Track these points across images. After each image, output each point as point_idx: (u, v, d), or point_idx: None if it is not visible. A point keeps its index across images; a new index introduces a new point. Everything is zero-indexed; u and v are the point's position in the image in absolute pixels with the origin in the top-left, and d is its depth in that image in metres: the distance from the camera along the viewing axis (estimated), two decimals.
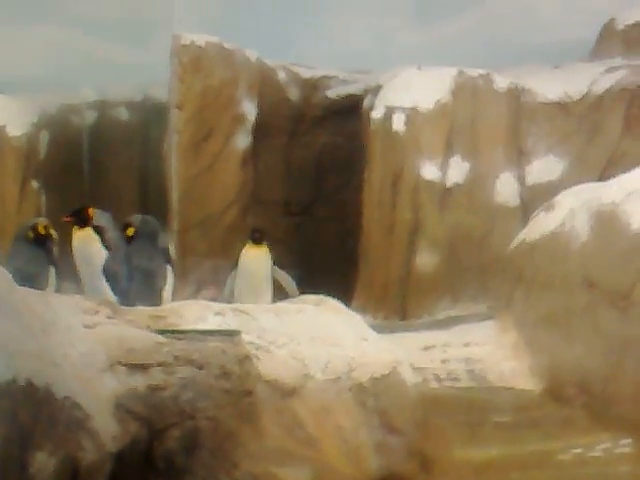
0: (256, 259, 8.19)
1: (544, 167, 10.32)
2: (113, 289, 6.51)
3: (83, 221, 6.75)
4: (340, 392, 5.24)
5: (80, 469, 3.73)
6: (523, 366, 7.22)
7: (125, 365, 4.26)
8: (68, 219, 6.83)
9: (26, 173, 11.74)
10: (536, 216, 8.19)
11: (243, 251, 8.23)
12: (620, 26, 11.02)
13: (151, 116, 11.68)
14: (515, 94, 10.46)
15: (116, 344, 4.35)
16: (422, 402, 5.81)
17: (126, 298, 6.40)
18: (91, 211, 6.83)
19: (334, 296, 6.39)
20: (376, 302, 9.89)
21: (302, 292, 6.79)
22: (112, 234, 6.76)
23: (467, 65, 10.41)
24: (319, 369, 5.22)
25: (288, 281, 8.34)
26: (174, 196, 10.58)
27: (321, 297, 6.24)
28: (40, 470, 3.47)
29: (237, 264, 8.29)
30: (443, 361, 7.43)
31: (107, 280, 6.56)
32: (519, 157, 10.36)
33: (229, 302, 7.51)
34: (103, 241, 6.73)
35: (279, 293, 8.17)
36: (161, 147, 11.09)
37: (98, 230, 6.76)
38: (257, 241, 8.25)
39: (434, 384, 7.00)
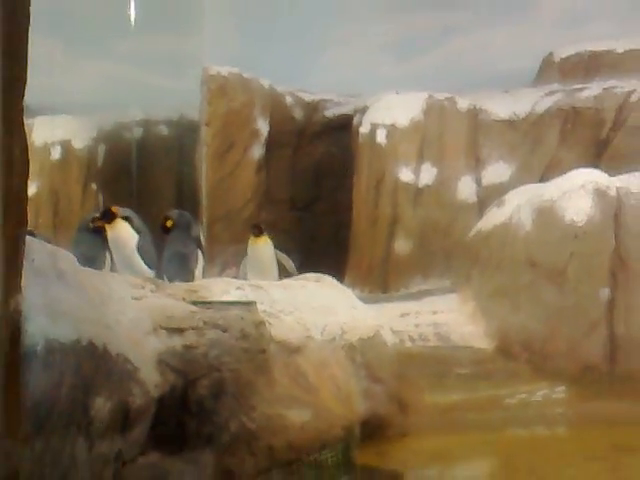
0: (260, 248, 8.15)
1: (496, 172, 10.31)
2: (147, 264, 6.51)
3: (110, 218, 6.65)
4: (335, 350, 5.27)
5: (130, 411, 3.75)
6: (479, 329, 7.24)
7: (165, 329, 4.29)
8: (98, 222, 6.67)
9: (87, 178, 11.74)
10: (490, 210, 8.20)
11: (249, 243, 8.18)
12: (557, 59, 11.02)
13: (185, 132, 11.66)
14: (474, 113, 10.45)
15: (158, 312, 4.37)
16: (399, 358, 5.85)
17: (163, 273, 6.42)
18: (115, 209, 6.73)
19: (330, 274, 6.42)
20: (363, 279, 9.90)
21: (304, 272, 6.78)
22: (138, 222, 6.71)
23: (435, 90, 10.40)
24: (318, 332, 5.25)
25: (288, 261, 8.35)
26: (203, 195, 10.59)
27: (320, 275, 6.28)
28: (99, 411, 3.49)
29: (246, 253, 8.25)
30: (416, 325, 7.44)
31: (142, 257, 6.55)
32: (476, 164, 10.35)
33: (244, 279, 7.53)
34: (133, 227, 6.67)
35: (285, 271, 8.20)
36: (193, 156, 11.09)
37: (126, 219, 6.69)
38: (257, 234, 8.17)
39: (409, 344, 7.01)
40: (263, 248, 8.16)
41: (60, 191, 11.69)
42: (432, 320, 7.57)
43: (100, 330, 3.73)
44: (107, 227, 6.57)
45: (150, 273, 6.30)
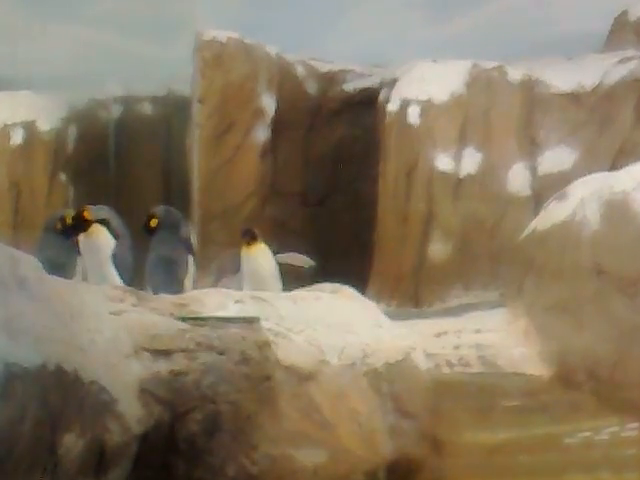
0: (255, 258, 8.02)
1: (556, 157, 10.28)
2: (121, 275, 6.57)
3: (84, 227, 6.72)
4: (355, 377, 5.27)
5: (106, 450, 3.78)
6: (533, 352, 7.21)
7: (149, 351, 4.30)
8: (72, 231, 6.75)
9: (55, 166, 11.83)
10: (548, 205, 8.17)
11: (242, 254, 8.04)
12: (632, 18, 10.94)
13: (174, 110, 11.73)
14: (528, 85, 10.42)
15: (140, 330, 4.39)
16: (434, 387, 5.84)
17: (146, 283, 6.47)
18: (87, 213, 6.78)
19: (349, 284, 6.41)
20: (390, 290, 9.90)
21: (318, 281, 6.79)
22: (116, 223, 6.77)
23: (481, 57, 10.38)
24: (335, 355, 5.25)
25: (296, 257, 8.25)
26: (196, 188, 10.63)
27: (337, 285, 6.26)
28: (69, 451, 3.52)
29: (239, 266, 8.15)
30: (455, 347, 7.43)
31: (116, 267, 6.61)
32: (531, 148, 10.33)
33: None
34: (110, 231, 6.74)
35: (296, 280, 8.15)
36: (183, 140, 11.15)
37: (102, 223, 6.76)
38: (250, 242, 8.03)
39: (446, 369, 7.01)
40: (259, 259, 8.00)
41: (22, 183, 11.80)
42: (475, 341, 7.57)
43: (70, 352, 3.76)
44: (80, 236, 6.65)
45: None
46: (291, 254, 8.29)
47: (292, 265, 8.26)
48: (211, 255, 10.02)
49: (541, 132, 10.39)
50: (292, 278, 8.25)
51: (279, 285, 8.03)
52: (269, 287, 7.84)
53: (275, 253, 8.15)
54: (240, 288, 7.92)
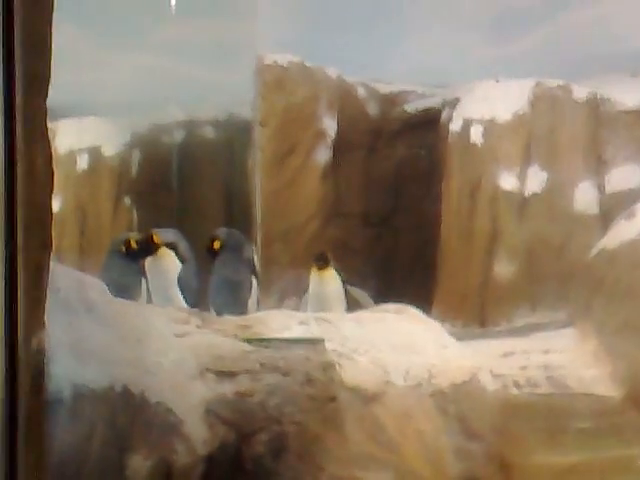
0: (325, 283, 7.99)
1: (623, 175, 10.13)
2: (186, 298, 6.63)
3: (153, 249, 6.81)
4: (421, 398, 5.24)
5: (173, 471, 3.81)
6: (603, 373, 7.10)
7: (214, 372, 4.34)
8: (138, 253, 6.86)
9: (119, 190, 11.95)
10: (616, 224, 8.06)
11: (311, 276, 8.02)
12: None
13: (236, 134, 11.78)
14: (594, 103, 10.29)
15: (205, 352, 4.43)
16: (501, 408, 5.78)
17: (210, 304, 6.52)
18: (156, 236, 6.89)
19: (413, 304, 6.38)
20: (455, 310, 9.81)
21: (382, 301, 6.76)
22: (183, 246, 6.85)
23: (545, 76, 10.28)
24: (400, 376, 5.23)
25: (364, 298, 8.21)
26: (258, 210, 10.67)
27: (401, 306, 6.25)
28: (136, 472, 3.55)
29: (307, 289, 8.13)
30: (522, 368, 7.33)
31: (181, 290, 6.68)
32: (598, 166, 10.18)
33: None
34: (177, 255, 6.82)
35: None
36: (245, 163, 11.20)
37: (170, 247, 6.84)
38: (322, 266, 8.01)
39: (514, 391, 6.91)
40: (329, 283, 7.98)
41: (88, 207, 11.96)
42: (543, 361, 7.46)
43: (137, 374, 3.81)
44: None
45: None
46: (358, 290, 8.31)
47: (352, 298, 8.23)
48: (274, 276, 10.03)
49: (608, 150, 10.25)
50: (357, 305, 8.23)
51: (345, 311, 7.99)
52: (334, 312, 7.82)
53: (345, 283, 8.13)
54: (306, 310, 7.95)
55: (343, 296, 8.04)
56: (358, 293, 8.22)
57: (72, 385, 3.34)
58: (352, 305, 8.02)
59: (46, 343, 3.20)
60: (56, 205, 11.30)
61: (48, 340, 3.22)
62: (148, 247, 6.81)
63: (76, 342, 3.50)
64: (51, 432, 3.22)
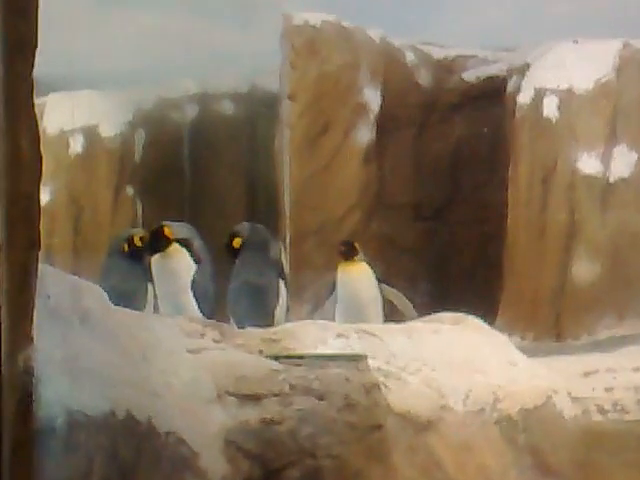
0: (354, 278, 7.91)
1: None
2: (201, 306, 6.64)
3: (164, 245, 6.82)
4: (484, 426, 5.22)
5: None
6: None
7: (235, 395, 4.34)
8: (143, 252, 6.88)
9: (120, 178, 12.04)
10: None
11: (338, 272, 7.95)
12: None
13: (259, 109, 11.82)
14: None
15: (224, 371, 4.43)
16: (583, 438, 5.74)
17: (230, 314, 6.54)
18: (168, 230, 6.89)
19: (475, 313, 6.35)
20: (525, 319, 9.79)
21: (437, 309, 6.73)
22: (198, 245, 6.87)
23: (635, 36, 10.22)
24: (459, 399, 5.21)
25: (401, 300, 8.08)
26: (286, 200, 10.69)
27: (460, 315, 6.22)
28: None
29: (333, 287, 8.04)
30: (607, 389, 7.27)
31: (195, 296, 6.69)
32: None
33: None
34: (191, 254, 6.84)
35: (397, 316, 8.07)
36: (271, 144, 11.23)
37: (183, 244, 6.85)
38: (349, 256, 7.92)
39: (597, 417, 6.87)
40: (358, 278, 7.91)
41: (83, 199, 12.06)
42: (633, 381, 7.41)
43: (143, 397, 3.82)
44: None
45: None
46: (397, 293, 8.16)
47: (392, 304, 8.15)
48: (306, 280, 10.05)
49: None
50: (394, 312, 8.18)
51: (380, 315, 7.90)
52: (368, 315, 7.73)
53: (380, 280, 8.02)
54: (332, 315, 7.90)
55: (378, 297, 7.96)
56: (393, 294, 8.11)
57: (66, 411, 3.35)
58: (388, 310, 8.00)
59: (34, 361, 3.21)
60: (45, 196, 11.47)
61: (37, 357, 3.23)
62: (157, 244, 6.83)
63: (70, 359, 3.51)
64: (41, 467, 3.23)
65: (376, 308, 7.94)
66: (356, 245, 8.09)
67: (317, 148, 10.77)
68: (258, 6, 11.10)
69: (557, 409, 5.73)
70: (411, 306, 8.12)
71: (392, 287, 8.18)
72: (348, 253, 7.98)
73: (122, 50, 11.64)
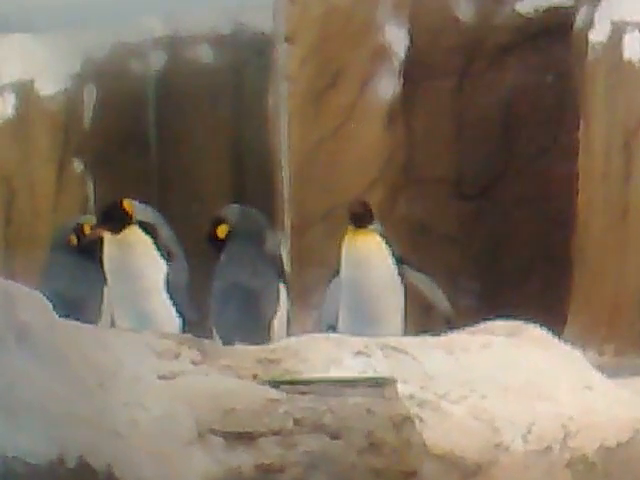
0: (364, 251, 7.75)
1: None
2: (180, 312, 6.65)
3: (120, 222, 6.76)
4: (552, 470, 5.23)
5: None
6: None
7: (222, 434, 4.34)
8: (95, 232, 6.83)
9: (65, 149, 12.05)
10: None
11: (345, 243, 7.81)
12: None
13: (247, 56, 11.83)
14: None
15: (207, 403, 4.43)
16: None
17: (212, 326, 6.54)
18: (128, 205, 6.83)
19: (536, 321, 6.36)
20: (602, 329, 9.80)
21: (486, 316, 6.73)
22: (166, 234, 6.84)
23: None
24: (518, 435, 5.21)
25: (429, 286, 7.88)
26: (285, 176, 10.70)
27: (517, 323, 6.22)
28: None
29: (339, 266, 7.83)
30: None
31: (173, 304, 6.69)
32: None
33: (329, 329, 7.43)
34: (157, 247, 6.81)
35: (426, 315, 8.00)
36: (264, 102, 11.24)
37: (147, 229, 6.81)
38: (359, 222, 7.77)
39: None
40: (370, 252, 7.76)
41: (16, 177, 12.08)
42: None
43: (100, 439, 3.82)
44: (109, 240, 6.73)
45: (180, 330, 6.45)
46: (423, 277, 8.00)
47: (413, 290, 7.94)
48: (312, 280, 10.04)
49: None
50: (422, 306, 8.14)
51: (398, 306, 7.70)
52: (382, 304, 7.60)
53: (400, 261, 7.81)
54: (333, 306, 7.80)
55: (395, 282, 7.84)
56: (419, 279, 7.93)
57: (1, 459, 3.35)
58: (410, 301, 7.81)
59: None
60: None
61: None
62: (112, 215, 6.78)
63: (3, 390, 3.50)
64: None
65: (392, 295, 7.80)
66: (372, 208, 7.99)
67: (325, 106, 10.78)
68: None
69: None
70: (444, 296, 7.96)
71: (415, 270, 7.99)
72: (359, 217, 7.85)
73: None
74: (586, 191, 10.20)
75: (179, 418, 4.30)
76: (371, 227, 7.82)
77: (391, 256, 7.80)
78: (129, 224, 6.70)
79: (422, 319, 8.47)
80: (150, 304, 6.70)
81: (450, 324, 7.64)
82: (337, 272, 7.91)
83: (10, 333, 3.78)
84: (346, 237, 7.87)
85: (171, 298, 6.70)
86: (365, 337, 6.31)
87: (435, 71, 11.09)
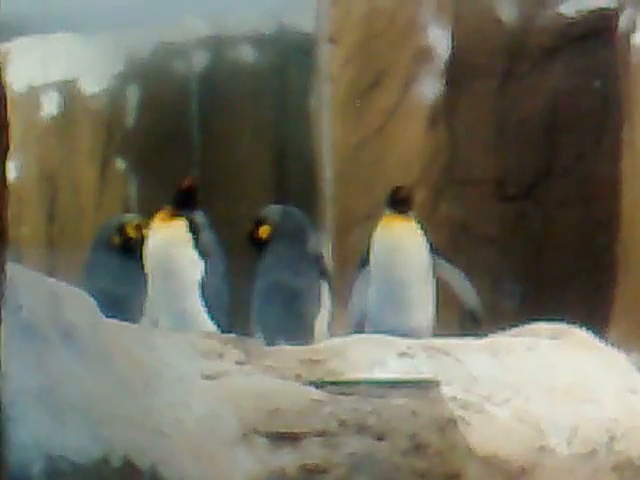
0: (404, 238, 7.43)
1: None
2: (215, 315, 6.63)
3: (187, 204, 6.85)
4: (597, 474, 5.20)
5: None
6: None
7: (266, 435, 4.34)
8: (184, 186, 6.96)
9: (108, 148, 12.08)
10: None
11: (379, 228, 7.45)
12: None
13: (290, 56, 11.83)
14: None
15: (251, 403, 4.43)
16: None
17: (256, 326, 6.52)
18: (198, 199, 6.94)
19: (580, 323, 6.32)
20: None
21: (529, 318, 6.69)
22: (206, 235, 6.85)
23: None
24: (563, 438, 5.19)
25: (461, 282, 7.63)
26: (328, 176, 10.69)
27: (561, 326, 6.21)
28: None
29: (368, 255, 7.46)
30: None
31: (206, 302, 6.67)
32: None
33: (359, 324, 7.34)
34: (197, 245, 6.81)
35: (455, 312, 7.90)
36: (307, 102, 11.23)
37: (192, 227, 6.82)
38: (396, 207, 7.45)
39: None
40: (406, 237, 7.43)
41: (60, 175, 12.12)
42: None
43: (144, 438, 3.82)
44: (157, 222, 6.75)
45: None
46: (455, 270, 7.65)
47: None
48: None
49: None
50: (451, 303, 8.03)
51: (430, 296, 7.44)
52: (415, 292, 7.33)
53: (435, 250, 7.53)
54: (363, 297, 7.49)
55: (430, 270, 7.47)
56: (450, 272, 7.56)
57: (45, 456, 3.35)
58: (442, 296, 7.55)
59: (4, 392, 3.21)
60: (10, 173, 11.51)
61: (6, 387, 3.23)
62: (186, 197, 6.86)
63: (49, 389, 3.50)
64: None
65: (425, 288, 7.46)
66: (412, 195, 7.73)
67: (367, 106, 10.75)
68: None
69: None
70: (474, 293, 7.69)
71: (448, 263, 7.72)
72: (399, 201, 7.55)
73: None
74: (630, 193, 10.14)
75: (223, 418, 4.30)
76: (409, 214, 7.53)
77: (423, 241, 7.52)
78: (188, 211, 6.77)
79: (449, 314, 8.38)
80: (187, 303, 6.69)
81: (476, 322, 7.52)
82: (364, 264, 7.59)
83: (56, 332, 3.79)
84: (380, 222, 7.53)
85: (203, 299, 6.68)
86: (399, 328, 6.32)
87: (478, 73, 11.05)
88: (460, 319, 8.16)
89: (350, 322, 7.48)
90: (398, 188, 7.70)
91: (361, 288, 7.54)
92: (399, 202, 7.51)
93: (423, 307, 7.35)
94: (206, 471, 4.10)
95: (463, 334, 6.66)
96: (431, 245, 7.56)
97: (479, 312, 7.50)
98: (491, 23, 11.12)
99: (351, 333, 7.01)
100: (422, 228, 7.58)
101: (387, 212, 7.52)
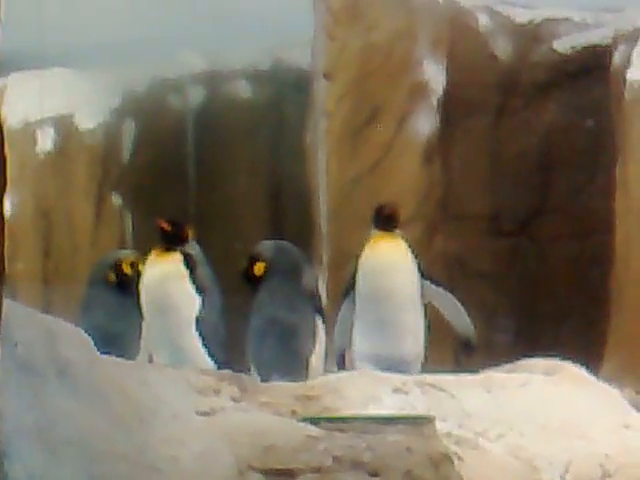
0: (392, 259, 7.32)
1: None
2: (211, 351, 6.64)
3: (177, 240, 6.84)
4: None
5: None
6: None
7: (261, 471, 4.33)
8: (165, 227, 6.91)
9: (103, 184, 12.08)
10: None
11: (365, 249, 7.34)
12: None
13: (285, 92, 11.84)
14: None
15: (247, 440, 4.42)
16: None
17: (251, 363, 6.52)
18: (189, 232, 6.93)
19: (574, 359, 6.32)
20: None
21: (525, 353, 6.70)
22: (202, 270, 6.85)
23: None
24: (556, 474, 5.19)
25: (452, 306, 7.39)
26: (323, 212, 10.69)
27: (554, 362, 6.21)
28: None
29: (355, 279, 7.37)
30: None
31: (204, 339, 6.68)
32: None
33: (341, 353, 7.32)
34: (194, 280, 6.82)
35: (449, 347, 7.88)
36: (302, 138, 11.24)
37: (188, 262, 6.84)
38: (382, 225, 7.31)
39: None
40: (394, 257, 7.31)
41: (55, 211, 12.10)
42: None
43: (140, 475, 3.81)
44: (152, 257, 6.75)
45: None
46: (446, 294, 7.49)
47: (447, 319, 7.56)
48: None
49: None
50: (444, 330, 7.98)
51: (420, 323, 7.31)
52: (402, 319, 7.30)
53: (424, 275, 7.35)
54: (347, 323, 7.37)
55: (415, 295, 7.31)
56: (441, 296, 7.40)
57: None
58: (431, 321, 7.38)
59: None
60: (7, 208, 11.51)
61: (1, 424, 3.23)
62: (176, 234, 6.85)
63: (45, 427, 3.51)
64: None
65: (415, 314, 7.35)
66: (398, 211, 7.48)
67: (363, 142, 10.77)
68: None
69: None
70: (466, 317, 7.50)
71: (439, 286, 7.52)
72: (383, 219, 7.39)
73: (105, 17, 11.70)
74: (623, 229, 10.15)
75: (219, 455, 4.30)
76: (397, 232, 7.41)
77: (412, 263, 7.36)
78: (179, 247, 6.76)
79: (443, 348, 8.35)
80: (184, 339, 6.70)
81: (469, 347, 7.45)
82: (347, 291, 7.51)
83: (51, 369, 3.79)
84: (367, 245, 7.38)
85: (200, 335, 6.70)
86: (386, 355, 6.31)
87: (472, 108, 11.07)
88: (455, 354, 8.18)
89: (334, 348, 7.38)
90: (382, 206, 7.52)
91: (346, 314, 7.44)
92: (385, 220, 7.38)
93: (412, 332, 7.28)
94: None
95: (457, 370, 6.69)
96: (419, 266, 7.41)
97: (472, 338, 7.45)
98: (486, 59, 11.15)
99: (335, 359, 7.07)
100: (410, 247, 7.42)
101: (374, 232, 7.42)
